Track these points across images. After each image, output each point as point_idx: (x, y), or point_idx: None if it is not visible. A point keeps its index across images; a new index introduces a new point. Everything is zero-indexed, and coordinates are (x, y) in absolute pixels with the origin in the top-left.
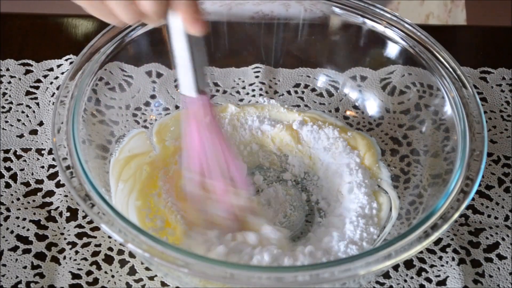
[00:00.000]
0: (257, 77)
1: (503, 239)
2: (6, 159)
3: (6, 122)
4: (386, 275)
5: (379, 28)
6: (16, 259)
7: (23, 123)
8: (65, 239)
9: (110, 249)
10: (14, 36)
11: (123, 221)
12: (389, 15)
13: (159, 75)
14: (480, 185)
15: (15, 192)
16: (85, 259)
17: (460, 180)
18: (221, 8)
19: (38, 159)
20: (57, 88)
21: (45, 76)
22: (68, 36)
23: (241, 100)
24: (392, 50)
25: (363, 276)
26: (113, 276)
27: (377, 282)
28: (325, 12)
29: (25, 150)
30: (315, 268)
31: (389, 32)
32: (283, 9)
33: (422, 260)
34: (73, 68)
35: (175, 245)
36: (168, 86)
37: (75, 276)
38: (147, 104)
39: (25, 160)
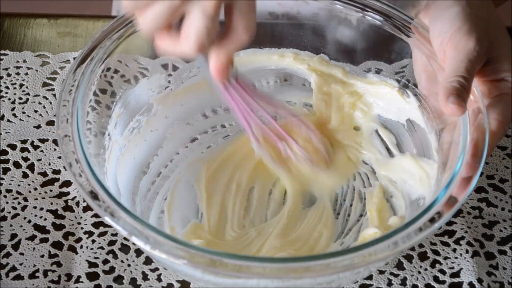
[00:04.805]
0: None
1: None
2: (23, 150)
3: (23, 113)
4: (400, 266)
5: (394, 29)
6: (34, 248)
7: (40, 114)
8: (82, 228)
9: (126, 238)
10: (32, 31)
11: (128, 215)
12: (402, 16)
13: (175, 68)
14: (494, 178)
15: (33, 182)
16: (102, 248)
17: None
18: None
19: (55, 149)
20: None
21: (61, 68)
22: (84, 33)
23: None
24: (405, 45)
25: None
26: (129, 265)
27: (391, 274)
28: (336, 9)
29: (42, 140)
30: (322, 258)
31: (401, 30)
32: (293, 5)
33: (436, 252)
34: (78, 59)
35: (180, 239)
36: (184, 79)
37: (92, 264)
38: None
39: (42, 151)
